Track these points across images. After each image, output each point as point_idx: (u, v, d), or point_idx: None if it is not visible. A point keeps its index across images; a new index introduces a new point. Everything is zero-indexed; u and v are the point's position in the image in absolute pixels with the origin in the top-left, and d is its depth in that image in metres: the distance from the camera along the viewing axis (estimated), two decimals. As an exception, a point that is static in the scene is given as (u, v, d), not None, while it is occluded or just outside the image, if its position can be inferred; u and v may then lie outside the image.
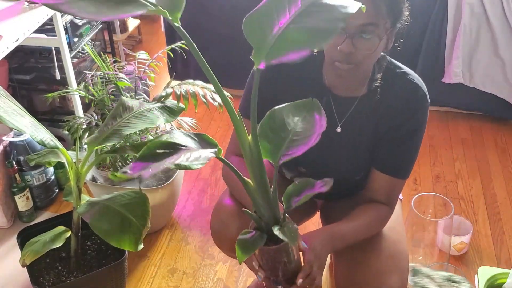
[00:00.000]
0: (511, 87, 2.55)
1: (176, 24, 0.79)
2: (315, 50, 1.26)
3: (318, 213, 1.62)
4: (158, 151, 0.81)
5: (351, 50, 1.12)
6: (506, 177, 2.36)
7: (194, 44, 0.81)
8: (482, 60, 2.54)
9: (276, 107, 0.97)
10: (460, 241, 1.91)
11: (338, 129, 1.30)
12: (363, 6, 0.77)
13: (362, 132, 1.29)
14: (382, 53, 1.24)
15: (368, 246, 1.33)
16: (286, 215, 1.01)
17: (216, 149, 0.86)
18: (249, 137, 0.91)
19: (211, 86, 1.86)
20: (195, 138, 0.88)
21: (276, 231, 0.94)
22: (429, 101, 1.27)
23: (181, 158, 0.79)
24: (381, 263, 1.30)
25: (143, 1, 0.76)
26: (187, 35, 0.80)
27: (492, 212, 2.17)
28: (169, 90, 1.73)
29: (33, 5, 1.96)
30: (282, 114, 0.97)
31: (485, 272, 1.61)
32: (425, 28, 2.55)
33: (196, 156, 0.81)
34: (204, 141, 0.88)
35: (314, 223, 2.05)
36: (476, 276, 1.66)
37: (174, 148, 0.83)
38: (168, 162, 0.78)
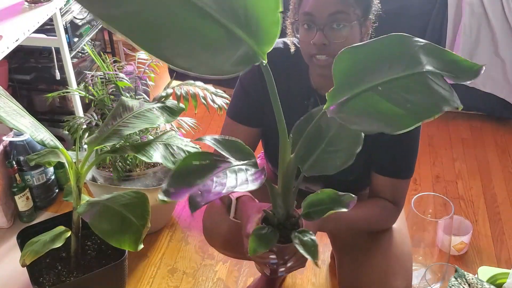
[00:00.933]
0: (511, 87, 2.55)
1: (262, 60, 0.77)
2: (292, 49, 1.27)
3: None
4: (194, 162, 0.77)
5: (324, 42, 1.12)
6: (506, 177, 2.36)
7: (273, 82, 0.83)
8: (482, 60, 2.53)
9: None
10: (460, 241, 1.91)
11: None
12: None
13: None
14: None
15: (373, 247, 1.33)
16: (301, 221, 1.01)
17: (261, 172, 0.82)
18: (292, 156, 0.91)
19: (211, 88, 1.86)
20: (223, 145, 0.88)
21: (296, 243, 0.91)
22: None
23: (229, 181, 0.76)
24: (386, 264, 1.30)
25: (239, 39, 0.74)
26: (271, 75, 0.81)
27: (492, 212, 2.17)
28: (170, 91, 1.73)
29: (33, 5, 1.96)
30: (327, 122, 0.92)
31: (485, 272, 1.61)
32: (425, 28, 2.55)
33: (243, 179, 0.78)
34: (239, 151, 0.88)
35: (314, 223, 2.05)
36: (476, 276, 1.66)
37: (210, 160, 0.80)
38: (217, 188, 0.73)
